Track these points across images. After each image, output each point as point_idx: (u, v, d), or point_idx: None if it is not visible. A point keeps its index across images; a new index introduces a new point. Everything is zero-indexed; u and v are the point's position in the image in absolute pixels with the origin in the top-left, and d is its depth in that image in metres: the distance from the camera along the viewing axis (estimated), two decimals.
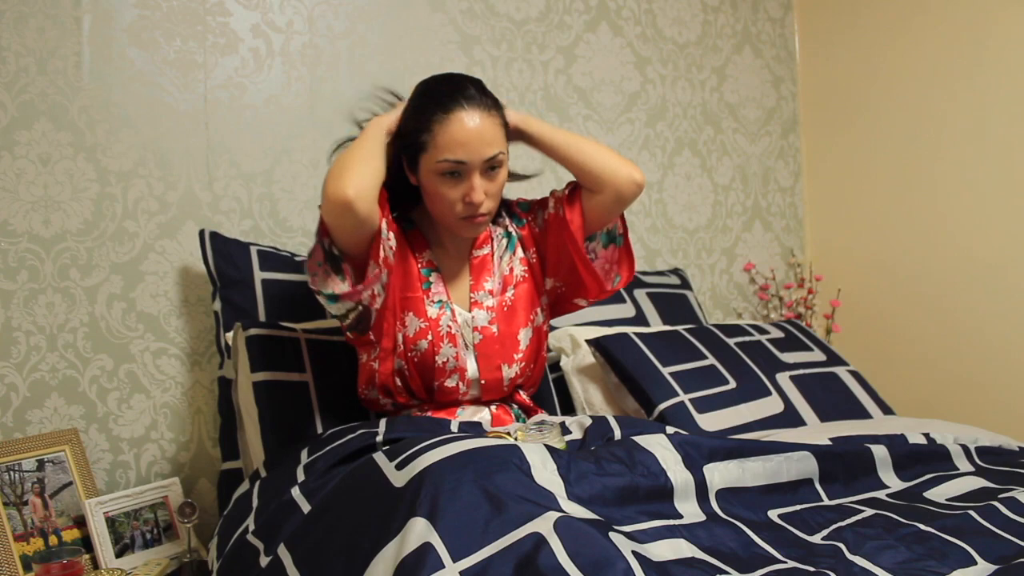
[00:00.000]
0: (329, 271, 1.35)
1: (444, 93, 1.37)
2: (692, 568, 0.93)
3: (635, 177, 1.47)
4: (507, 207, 1.60)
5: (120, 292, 1.82)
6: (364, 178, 1.31)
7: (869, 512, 1.15)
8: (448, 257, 1.52)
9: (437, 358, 1.44)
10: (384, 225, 1.36)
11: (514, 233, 1.57)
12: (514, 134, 1.49)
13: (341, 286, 1.34)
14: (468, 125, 1.34)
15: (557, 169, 2.28)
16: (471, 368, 1.47)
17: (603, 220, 1.51)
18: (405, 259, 1.48)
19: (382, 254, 1.35)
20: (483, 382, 1.48)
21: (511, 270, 1.54)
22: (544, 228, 1.54)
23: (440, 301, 1.47)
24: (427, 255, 1.50)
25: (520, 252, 1.56)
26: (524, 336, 1.51)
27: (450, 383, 1.46)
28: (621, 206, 1.50)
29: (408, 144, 1.40)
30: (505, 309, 1.51)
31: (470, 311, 1.49)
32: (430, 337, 1.43)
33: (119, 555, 1.61)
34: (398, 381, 1.46)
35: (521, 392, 1.57)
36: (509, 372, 1.49)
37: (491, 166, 1.38)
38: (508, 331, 1.50)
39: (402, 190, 1.48)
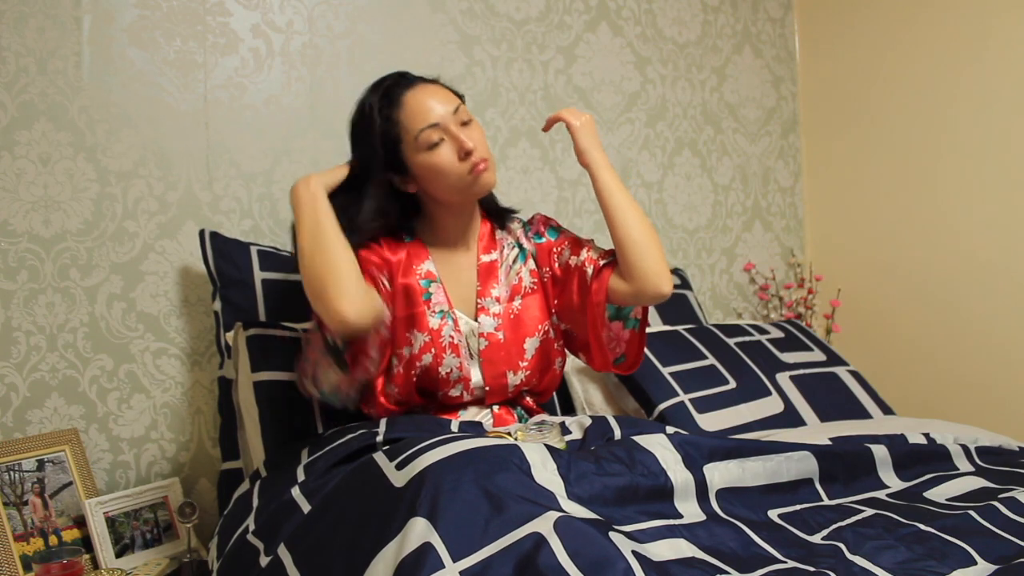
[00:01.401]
0: (331, 362, 1.35)
1: (386, 89, 1.44)
2: (692, 568, 0.93)
3: (661, 287, 1.41)
4: (531, 222, 1.59)
5: (120, 292, 1.82)
6: (352, 291, 1.28)
7: (869, 512, 1.15)
8: (453, 262, 1.50)
9: (440, 369, 1.43)
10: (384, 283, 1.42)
11: (527, 247, 1.54)
12: (578, 159, 1.49)
13: (337, 376, 1.36)
14: (421, 95, 1.41)
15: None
16: (475, 377, 1.46)
17: (617, 300, 1.46)
18: (405, 276, 1.46)
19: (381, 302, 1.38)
20: (487, 388, 1.47)
21: (520, 280, 1.51)
22: (565, 271, 1.51)
23: (441, 311, 1.45)
24: (426, 266, 1.47)
25: (531, 264, 1.53)
26: (531, 345, 1.49)
27: (454, 392, 1.45)
28: (635, 301, 1.45)
29: (388, 152, 1.41)
30: (512, 317, 1.49)
31: (476, 317, 1.48)
32: (433, 351, 1.43)
33: (119, 555, 1.61)
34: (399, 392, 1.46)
35: (528, 397, 1.56)
36: (514, 379, 1.48)
37: (462, 120, 1.41)
38: (514, 338, 1.48)
39: (400, 206, 1.48)
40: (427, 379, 1.44)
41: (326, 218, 1.34)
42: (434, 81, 1.46)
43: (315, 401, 1.55)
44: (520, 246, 1.54)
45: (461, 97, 1.48)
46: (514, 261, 1.52)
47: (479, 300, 1.48)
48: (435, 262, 1.49)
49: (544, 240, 1.55)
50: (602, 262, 1.46)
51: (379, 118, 1.41)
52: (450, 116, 1.40)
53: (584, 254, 1.48)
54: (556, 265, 1.52)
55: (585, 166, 1.48)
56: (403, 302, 1.44)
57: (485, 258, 1.51)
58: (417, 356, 1.42)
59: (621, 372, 1.56)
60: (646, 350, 1.85)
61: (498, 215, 1.58)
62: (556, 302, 1.52)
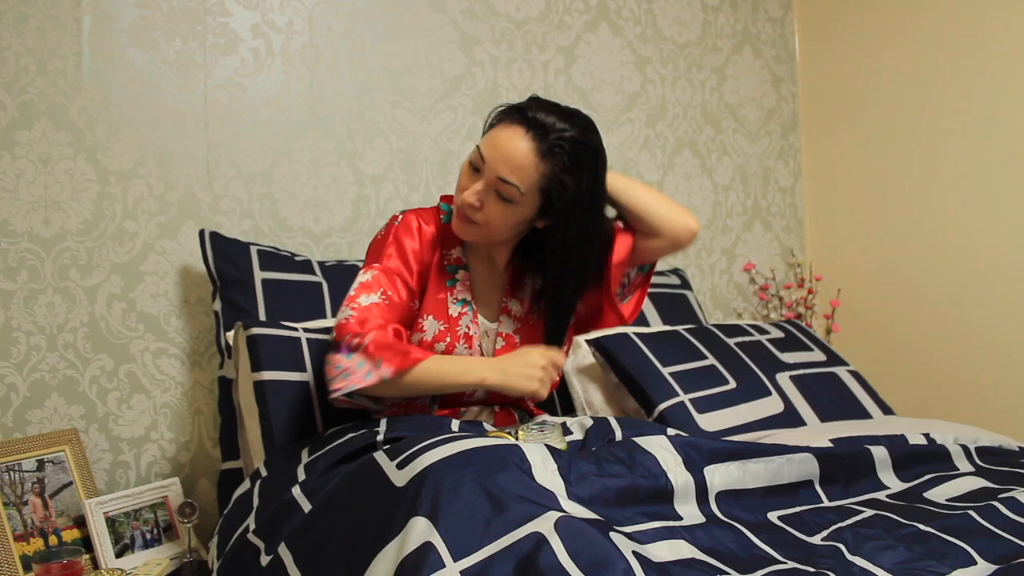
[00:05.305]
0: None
1: (525, 106, 1.35)
2: (692, 569, 0.93)
3: (691, 225, 1.50)
4: None
5: (120, 292, 1.82)
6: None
7: (869, 513, 1.15)
8: (481, 260, 1.49)
9: None
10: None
11: None
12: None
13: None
14: (508, 134, 1.32)
15: None
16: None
17: (651, 259, 1.55)
18: (433, 255, 1.45)
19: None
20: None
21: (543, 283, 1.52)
22: None
23: (463, 300, 1.45)
24: (457, 251, 1.47)
25: None
26: None
27: None
28: (675, 251, 1.54)
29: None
30: (531, 323, 1.49)
31: (498, 317, 1.47)
32: (448, 339, 1.42)
33: (119, 555, 1.61)
34: None
35: (529, 401, 1.56)
36: None
37: (500, 192, 1.33)
38: (529, 343, 1.48)
39: None
40: None
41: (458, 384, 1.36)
42: (545, 156, 1.31)
43: (315, 400, 1.55)
44: None
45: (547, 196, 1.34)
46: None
47: (504, 300, 1.48)
48: (467, 251, 1.48)
49: None
50: (622, 225, 1.52)
51: (495, 115, 1.40)
52: (493, 174, 1.33)
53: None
54: None
55: None
56: (433, 286, 1.44)
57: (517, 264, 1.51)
58: (430, 343, 1.42)
59: (629, 311, 1.57)
60: (646, 350, 1.85)
61: None
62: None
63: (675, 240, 1.50)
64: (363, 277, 1.39)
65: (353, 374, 1.29)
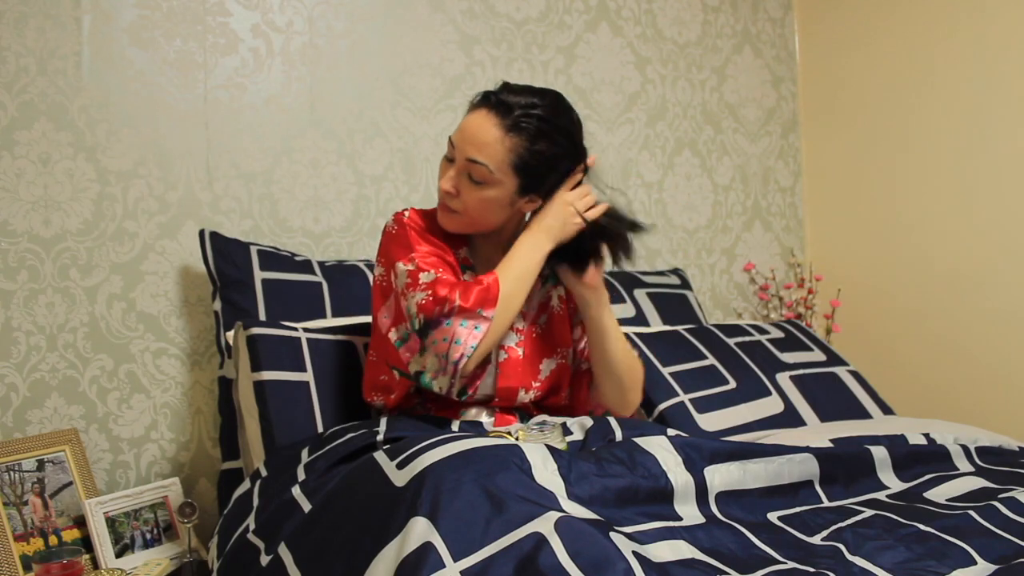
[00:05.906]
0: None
1: (492, 91, 1.38)
2: (692, 569, 0.93)
3: (633, 405, 1.53)
4: None
5: (120, 292, 1.82)
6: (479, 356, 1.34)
7: (869, 513, 1.15)
8: (484, 263, 1.48)
9: None
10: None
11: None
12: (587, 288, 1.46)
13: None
14: (473, 117, 1.36)
15: None
16: (484, 374, 1.46)
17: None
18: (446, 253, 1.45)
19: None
20: (497, 399, 1.47)
21: (548, 299, 1.51)
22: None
23: None
24: (464, 251, 1.48)
25: (560, 289, 1.54)
26: (546, 367, 1.49)
27: None
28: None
29: None
30: (534, 335, 1.49)
31: None
32: None
33: (119, 555, 1.61)
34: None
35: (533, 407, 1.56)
36: (525, 397, 1.48)
37: (472, 175, 1.35)
38: (532, 356, 1.48)
39: None
40: None
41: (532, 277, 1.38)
42: (510, 132, 1.34)
43: (316, 400, 1.55)
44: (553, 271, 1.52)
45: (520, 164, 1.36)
46: (546, 280, 1.52)
47: None
48: (473, 251, 1.49)
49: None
50: (585, 366, 1.56)
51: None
52: (462, 156, 1.35)
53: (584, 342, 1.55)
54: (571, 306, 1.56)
55: (591, 291, 1.46)
56: None
57: None
58: None
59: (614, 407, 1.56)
60: (646, 350, 1.85)
61: None
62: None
63: (609, 406, 1.52)
64: (407, 267, 1.35)
65: (465, 336, 1.29)
